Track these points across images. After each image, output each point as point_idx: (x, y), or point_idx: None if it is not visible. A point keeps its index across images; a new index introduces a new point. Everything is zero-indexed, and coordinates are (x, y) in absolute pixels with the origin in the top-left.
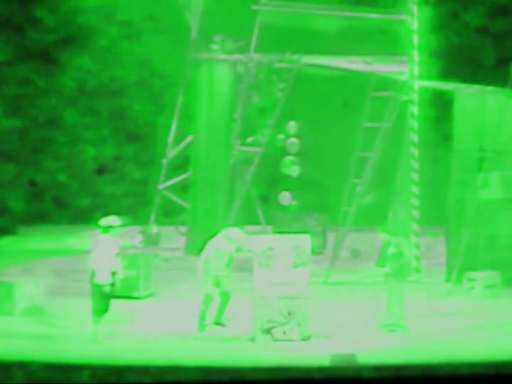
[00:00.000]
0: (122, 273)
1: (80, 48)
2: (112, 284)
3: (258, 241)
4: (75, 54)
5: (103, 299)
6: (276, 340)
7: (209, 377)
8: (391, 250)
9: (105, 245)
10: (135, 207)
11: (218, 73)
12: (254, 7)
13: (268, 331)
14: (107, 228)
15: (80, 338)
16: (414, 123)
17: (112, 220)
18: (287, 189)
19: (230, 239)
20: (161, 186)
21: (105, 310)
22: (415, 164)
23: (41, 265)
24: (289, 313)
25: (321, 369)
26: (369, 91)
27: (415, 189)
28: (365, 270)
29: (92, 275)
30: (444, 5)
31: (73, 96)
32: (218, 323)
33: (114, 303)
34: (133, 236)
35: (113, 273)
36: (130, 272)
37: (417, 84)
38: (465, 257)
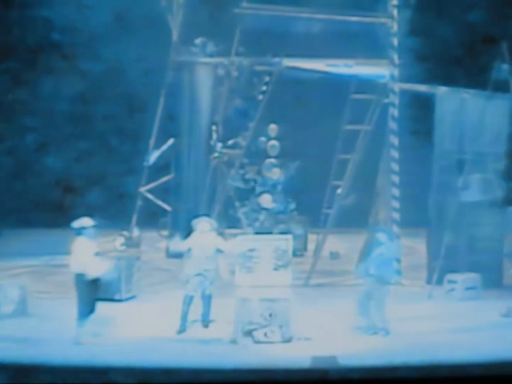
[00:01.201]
0: (104, 271)
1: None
2: (95, 283)
3: (239, 243)
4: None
5: (88, 296)
6: (257, 342)
7: (190, 378)
8: (379, 251)
9: (81, 247)
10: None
11: (199, 76)
12: (235, 10)
13: (249, 333)
14: (81, 230)
15: (63, 340)
16: (394, 126)
17: (84, 221)
18: (268, 192)
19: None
20: (143, 188)
21: (91, 311)
22: (395, 167)
23: (24, 267)
24: (270, 315)
25: (302, 371)
26: (350, 94)
27: (396, 191)
28: (345, 272)
29: (76, 277)
30: (424, 8)
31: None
32: (203, 323)
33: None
34: (115, 239)
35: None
36: (111, 274)
37: (398, 86)
38: (446, 259)
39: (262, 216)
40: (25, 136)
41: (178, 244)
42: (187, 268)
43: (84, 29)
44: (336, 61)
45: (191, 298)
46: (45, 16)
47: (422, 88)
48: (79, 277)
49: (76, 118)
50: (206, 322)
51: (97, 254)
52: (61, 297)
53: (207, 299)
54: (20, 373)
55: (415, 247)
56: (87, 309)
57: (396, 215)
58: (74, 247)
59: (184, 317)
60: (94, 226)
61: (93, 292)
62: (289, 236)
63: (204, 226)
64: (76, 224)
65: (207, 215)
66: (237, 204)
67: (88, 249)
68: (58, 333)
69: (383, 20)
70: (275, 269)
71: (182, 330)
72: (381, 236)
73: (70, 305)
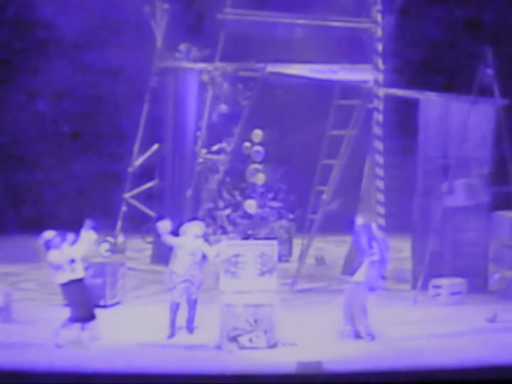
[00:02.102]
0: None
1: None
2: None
3: (224, 248)
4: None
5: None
6: (242, 347)
7: None
8: (370, 256)
9: (55, 259)
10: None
11: (183, 82)
12: (219, 15)
13: (234, 338)
14: (47, 244)
15: (49, 346)
16: (379, 131)
17: (47, 235)
18: (253, 197)
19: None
20: (127, 194)
21: (87, 316)
22: (380, 172)
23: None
24: (255, 321)
25: (287, 376)
26: (334, 99)
27: (381, 197)
28: (331, 277)
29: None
30: (408, 14)
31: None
32: (188, 329)
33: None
34: (100, 245)
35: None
36: (96, 280)
37: (382, 92)
38: (431, 264)
39: (246, 222)
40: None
41: (168, 227)
42: (175, 273)
43: (66, 32)
44: (321, 67)
45: (177, 305)
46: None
47: (406, 93)
48: (64, 286)
49: (58, 120)
50: (191, 328)
51: (72, 260)
52: (45, 303)
53: (192, 304)
54: (5, 379)
55: (400, 252)
56: (79, 313)
57: (381, 220)
58: (49, 261)
59: (172, 324)
60: (56, 236)
61: (83, 296)
62: (274, 242)
63: (196, 230)
64: (40, 240)
65: (199, 218)
66: (221, 209)
67: (60, 259)
68: (43, 339)
69: (367, 25)
70: (260, 274)
71: (171, 335)
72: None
73: (55, 311)
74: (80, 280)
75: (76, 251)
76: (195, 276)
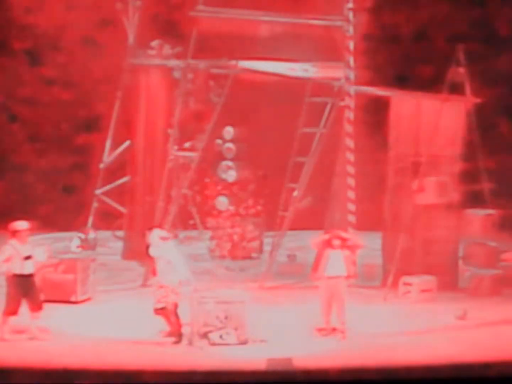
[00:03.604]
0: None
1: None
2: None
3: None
4: None
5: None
6: (212, 344)
7: (145, 380)
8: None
9: (12, 250)
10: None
11: (155, 79)
12: (191, 13)
13: (204, 335)
14: (14, 233)
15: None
16: (350, 128)
17: (18, 225)
18: (224, 194)
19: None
20: (98, 191)
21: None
22: (351, 169)
23: None
24: (225, 317)
25: (257, 373)
26: (305, 97)
27: (351, 194)
28: (301, 275)
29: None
30: (378, 12)
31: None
32: None
33: (51, 308)
34: (70, 241)
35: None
36: (67, 276)
37: (353, 89)
38: (401, 262)
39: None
40: None
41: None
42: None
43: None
44: (292, 64)
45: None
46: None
47: (377, 91)
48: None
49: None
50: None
51: (27, 258)
52: None
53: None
54: None
55: (370, 249)
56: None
57: (352, 218)
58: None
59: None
60: (27, 230)
61: (20, 291)
62: None
63: (158, 239)
64: (11, 226)
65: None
66: (192, 206)
67: (18, 252)
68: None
69: (338, 23)
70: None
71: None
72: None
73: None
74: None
75: None
76: (172, 280)
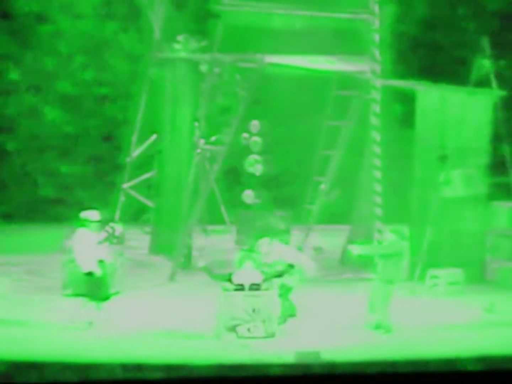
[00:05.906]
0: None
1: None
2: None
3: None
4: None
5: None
6: (240, 337)
7: (173, 374)
8: (386, 249)
9: (83, 238)
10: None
11: (181, 73)
12: (217, 6)
13: (232, 328)
14: (84, 222)
15: (46, 336)
16: (376, 122)
17: (90, 214)
18: (251, 188)
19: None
20: (125, 185)
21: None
22: (378, 162)
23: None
24: (253, 311)
25: (285, 366)
26: (332, 90)
27: (378, 187)
28: (328, 267)
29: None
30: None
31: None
32: None
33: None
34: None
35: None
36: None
37: (379, 82)
38: (428, 255)
39: (244, 212)
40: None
41: None
42: None
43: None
44: (318, 58)
45: None
46: None
47: (403, 84)
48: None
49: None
50: None
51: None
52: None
53: None
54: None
55: None
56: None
57: (379, 211)
58: (75, 238)
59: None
60: (99, 221)
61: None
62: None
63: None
64: (82, 215)
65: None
66: (219, 200)
67: (90, 240)
68: (39, 330)
69: (364, 16)
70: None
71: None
72: (390, 236)
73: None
74: None
75: None
76: None
